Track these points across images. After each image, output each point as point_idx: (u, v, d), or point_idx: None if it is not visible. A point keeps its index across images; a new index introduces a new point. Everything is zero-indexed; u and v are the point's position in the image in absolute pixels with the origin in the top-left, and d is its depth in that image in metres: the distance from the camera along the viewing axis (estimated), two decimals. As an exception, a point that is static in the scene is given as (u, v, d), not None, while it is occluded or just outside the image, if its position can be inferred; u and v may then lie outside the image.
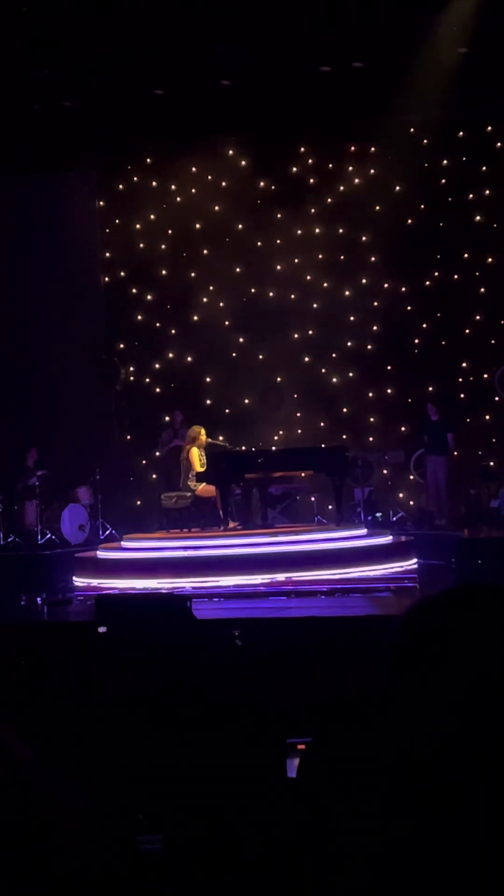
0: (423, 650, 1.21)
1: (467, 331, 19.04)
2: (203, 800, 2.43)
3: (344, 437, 18.67)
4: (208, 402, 19.75)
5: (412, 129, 19.04)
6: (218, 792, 2.45)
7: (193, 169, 19.96)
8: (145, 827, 2.28)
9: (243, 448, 16.78)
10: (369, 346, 19.40)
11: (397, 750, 1.18)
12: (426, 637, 1.22)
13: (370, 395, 19.44)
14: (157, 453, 19.04)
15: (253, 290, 19.81)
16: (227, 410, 19.46)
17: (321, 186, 19.74)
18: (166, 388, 20.07)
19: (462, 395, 19.05)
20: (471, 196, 19.17)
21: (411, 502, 18.61)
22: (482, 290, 19.09)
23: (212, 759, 2.56)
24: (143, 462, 19.76)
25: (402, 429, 19.06)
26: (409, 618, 1.25)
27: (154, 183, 20.15)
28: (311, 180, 19.82)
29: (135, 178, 20.17)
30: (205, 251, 19.92)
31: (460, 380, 19.18)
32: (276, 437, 19.17)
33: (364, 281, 19.45)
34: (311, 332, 19.56)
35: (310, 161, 19.83)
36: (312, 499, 17.57)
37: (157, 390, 20.11)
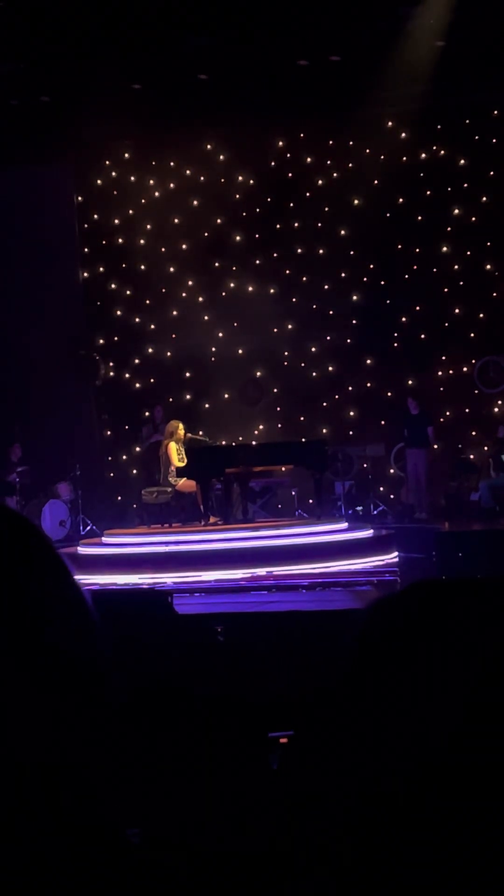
0: (387, 646, 1.21)
1: (446, 324, 19.07)
2: (182, 793, 2.43)
3: (324, 430, 18.72)
4: (188, 396, 19.75)
5: (390, 123, 19.06)
6: (198, 786, 2.45)
7: (171, 163, 19.95)
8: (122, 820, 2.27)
9: (223, 443, 16.77)
10: (348, 340, 19.43)
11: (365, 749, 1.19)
12: (389, 633, 1.21)
13: (349, 388, 19.46)
14: (138, 449, 19.03)
15: (232, 285, 19.80)
16: (206, 405, 19.46)
17: (299, 180, 19.73)
18: (146, 383, 20.05)
19: (441, 389, 19.09)
20: (449, 189, 19.19)
21: (391, 496, 18.65)
22: (461, 283, 19.12)
23: (193, 753, 2.56)
24: (124, 457, 19.74)
25: (382, 422, 19.08)
26: (372, 613, 1.25)
27: (132, 177, 20.11)
28: (290, 174, 19.81)
29: (113, 173, 20.13)
30: (183, 246, 19.91)
31: (440, 373, 19.22)
32: (255, 432, 19.18)
33: (343, 275, 19.46)
34: (290, 327, 19.58)
35: (288, 155, 19.82)
36: (293, 493, 17.57)
37: (137, 385, 20.09)
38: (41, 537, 1.19)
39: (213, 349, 19.79)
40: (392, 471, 18.82)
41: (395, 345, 19.32)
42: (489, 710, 1.13)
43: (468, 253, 19.10)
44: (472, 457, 18.23)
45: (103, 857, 1.07)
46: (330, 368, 19.49)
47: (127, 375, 20.19)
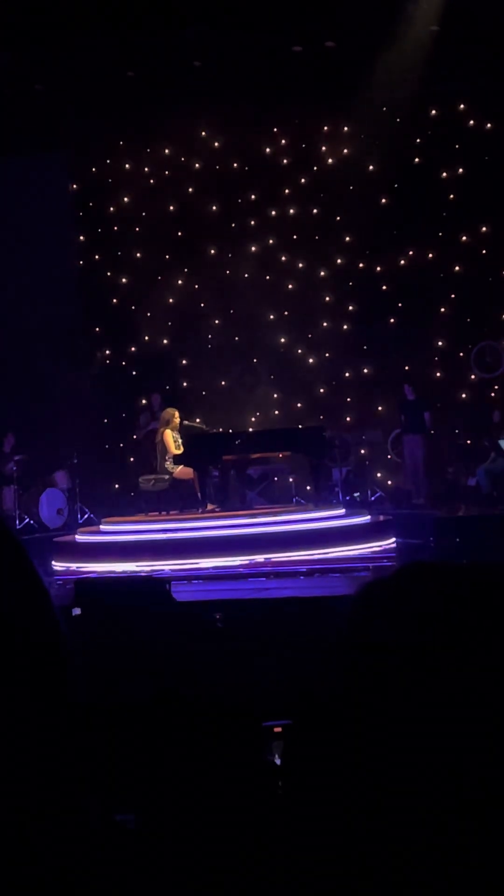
0: (380, 631, 1.20)
1: (443, 309, 19.06)
2: (180, 780, 2.43)
3: (321, 417, 18.70)
4: (185, 384, 19.73)
5: (385, 108, 18.98)
6: (195, 773, 2.46)
7: (167, 151, 19.90)
8: (118, 807, 2.29)
9: (220, 430, 16.77)
10: (345, 326, 19.42)
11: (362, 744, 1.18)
12: (382, 618, 1.21)
13: (346, 374, 19.46)
14: (135, 437, 19.01)
15: (227, 272, 19.76)
16: (203, 392, 19.45)
17: (295, 167, 19.70)
18: (143, 370, 20.02)
19: (438, 374, 19.08)
20: (444, 174, 19.17)
21: (389, 482, 18.65)
22: (457, 268, 19.10)
23: (191, 741, 2.57)
24: (121, 445, 19.73)
25: (379, 408, 19.09)
26: (364, 596, 1.25)
27: (127, 165, 20.08)
28: (285, 161, 19.77)
29: (108, 161, 20.09)
30: (179, 233, 19.88)
31: (436, 358, 19.21)
32: (252, 419, 19.16)
33: (339, 261, 19.44)
34: (286, 313, 19.55)
35: (283, 141, 19.79)
36: (290, 479, 17.58)
37: (134, 373, 20.06)
38: None
39: (210, 336, 19.77)
40: (389, 457, 18.82)
41: (392, 330, 19.29)
42: (487, 698, 1.13)
43: (464, 238, 19.08)
44: (469, 442, 18.23)
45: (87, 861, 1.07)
46: (326, 355, 19.48)
47: (123, 363, 20.16)
